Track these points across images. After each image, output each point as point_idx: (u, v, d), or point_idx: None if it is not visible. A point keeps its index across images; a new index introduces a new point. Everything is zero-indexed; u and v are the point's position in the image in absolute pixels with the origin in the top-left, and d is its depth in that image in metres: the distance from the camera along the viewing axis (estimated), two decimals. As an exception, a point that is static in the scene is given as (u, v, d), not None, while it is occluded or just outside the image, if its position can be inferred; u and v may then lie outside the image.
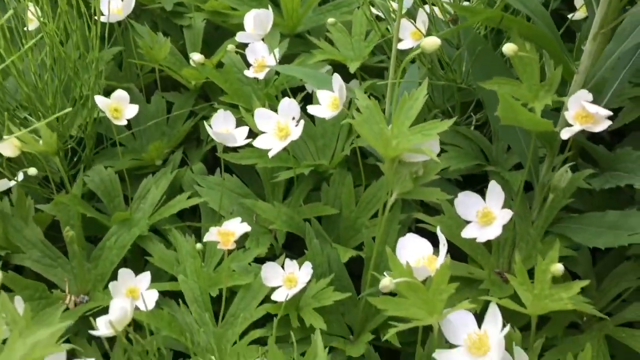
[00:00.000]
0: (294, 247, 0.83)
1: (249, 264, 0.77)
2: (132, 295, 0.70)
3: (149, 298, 0.69)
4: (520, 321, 0.69)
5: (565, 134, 0.63)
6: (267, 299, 0.73)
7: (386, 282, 0.56)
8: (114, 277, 0.73)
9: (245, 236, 0.81)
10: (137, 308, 0.69)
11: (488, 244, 0.78)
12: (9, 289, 0.74)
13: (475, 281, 0.73)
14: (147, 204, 0.83)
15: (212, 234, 0.68)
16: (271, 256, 0.79)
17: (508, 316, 0.59)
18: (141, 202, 0.84)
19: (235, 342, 0.72)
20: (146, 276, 0.72)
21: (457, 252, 0.77)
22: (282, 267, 0.72)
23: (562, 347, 0.70)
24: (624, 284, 0.76)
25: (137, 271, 0.73)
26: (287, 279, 0.71)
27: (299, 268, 0.72)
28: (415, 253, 0.63)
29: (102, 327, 0.60)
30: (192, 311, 0.74)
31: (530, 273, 0.61)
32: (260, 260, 0.76)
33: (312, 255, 0.76)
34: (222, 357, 0.71)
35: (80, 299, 0.79)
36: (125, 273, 0.70)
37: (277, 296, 0.71)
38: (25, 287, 0.75)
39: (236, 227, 0.69)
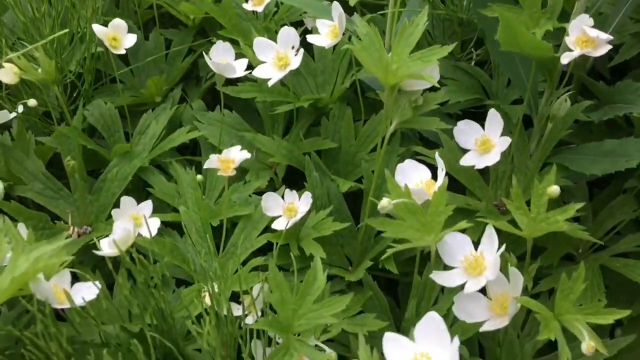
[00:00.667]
0: (293, 182, 0.83)
1: (249, 195, 0.78)
2: (134, 222, 0.71)
3: (152, 225, 0.70)
4: (517, 250, 0.70)
5: (565, 59, 0.63)
6: (267, 230, 0.75)
7: (385, 202, 0.57)
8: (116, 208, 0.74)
9: (245, 171, 0.82)
10: (139, 235, 0.70)
11: (486, 177, 0.79)
12: (13, 218, 0.75)
13: (472, 212, 0.74)
14: (148, 138, 0.84)
15: (212, 161, 0.69)
16: (271, 189, 0.80)
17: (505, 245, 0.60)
18: (141, 137, 0.85)
19: (237, 271, 0.73)
20: (148, 204, 0.72)
21: (455, 186, 0.78)
22: (282, 197, 0.73)
23: (556, 276, 0.71)
24: (619, 215, 0.77)
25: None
26: (287, 208, 0.72)
27: (299, 198, 0.73)
28: (413, 178, 0.63)
29: (106, 247, 0.60)
30: (194, 241, 0.76)
31: (528, 204, 0.62)
32: (260, 194, 0.76)
33: (312, 187, 0.76)
34: (224, 283, 0.72)
35: (83, 230, 0.80)
36: (127, 201, 0.71)
37: (277, 225, 0.72)
38: (28, 217, 0.76)
39: (236, 154, 0.69)
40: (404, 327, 0.68)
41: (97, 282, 0.61)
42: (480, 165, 0.67)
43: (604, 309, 0.55)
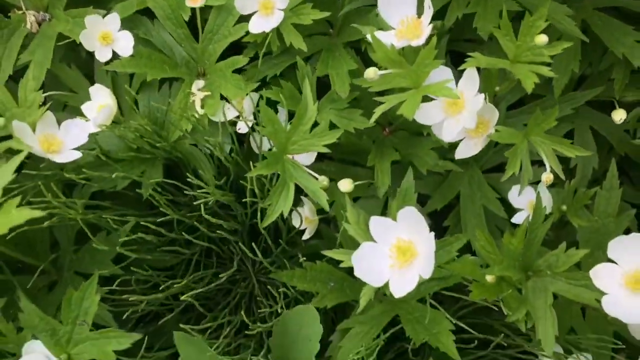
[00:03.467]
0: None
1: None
2: (105, 41, 0.67)
3: (125, 41, 0.67)
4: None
5: None
6: (243, 20, 0.71)
7: (371, 73, 0.56)
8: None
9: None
10: (116, 56, 0.68)
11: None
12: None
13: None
14: None
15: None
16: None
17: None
18: None
19: (218, 60, 0.73)
20: (114, 17, 0.67)
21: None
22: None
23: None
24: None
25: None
26: (262, 5, 0.67)
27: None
28: (399, 12, 0.60)
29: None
30: (168, 28, 0.72)
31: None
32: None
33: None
34: (206, 71, 0.73)
35: (42, 17, 0.74)
36: (92, 20, 0.65)
37: (254, 26, 0.68)
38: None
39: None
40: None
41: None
42: None
43: (571, 145, 0.61)
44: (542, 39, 0.57)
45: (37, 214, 0.49)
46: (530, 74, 0.58)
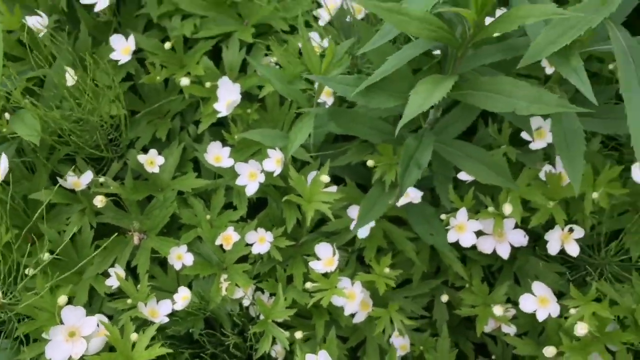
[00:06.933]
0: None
1: None
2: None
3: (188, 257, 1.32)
4: None
5: None
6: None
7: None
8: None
9: None
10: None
11: None
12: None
13: None
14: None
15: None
16: None
17: None
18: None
19: (235, 262, 1.37)
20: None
21: None
22: None
23: None
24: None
25: None
26: (260, 239, 1.33)
27: None
28: None
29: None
30: (208, 247, 1.37)
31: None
32: None
33: None
34: (228, 269, 1.37)
35: (141, 236, 1.39)
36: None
37: (255, 249, 1.34)
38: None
39: None
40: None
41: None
42: None
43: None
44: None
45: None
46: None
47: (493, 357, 1.40)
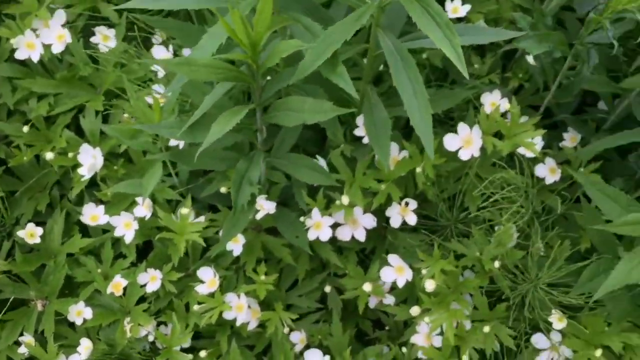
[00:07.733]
0: None
1: None
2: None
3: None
4: None
5: None
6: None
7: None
8: None
9: None
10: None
11: None
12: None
13: None
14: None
15: None
16: None
17: None
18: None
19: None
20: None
21: None
22: None
23: None
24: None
25: None
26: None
27: None
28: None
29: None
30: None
31: None
32: None
33: None
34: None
35: (44, 303, 1.50)
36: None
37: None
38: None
39: None
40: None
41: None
42: None
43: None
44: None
45: None
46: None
47: (387, 327, 1.56)
